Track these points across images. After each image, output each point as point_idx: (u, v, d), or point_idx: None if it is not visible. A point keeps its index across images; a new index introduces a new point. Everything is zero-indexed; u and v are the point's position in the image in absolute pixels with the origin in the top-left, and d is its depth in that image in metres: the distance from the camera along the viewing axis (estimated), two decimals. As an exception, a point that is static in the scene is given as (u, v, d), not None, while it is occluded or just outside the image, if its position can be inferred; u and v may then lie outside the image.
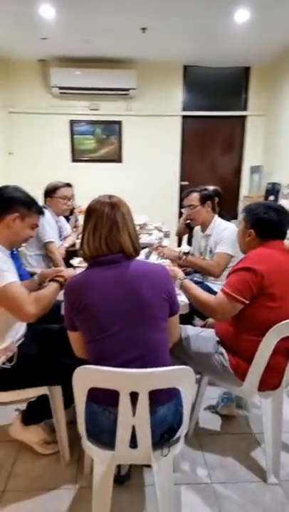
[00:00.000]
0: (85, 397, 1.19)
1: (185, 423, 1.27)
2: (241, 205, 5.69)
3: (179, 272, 1.77)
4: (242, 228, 1.70)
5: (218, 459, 1.76)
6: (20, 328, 1.63)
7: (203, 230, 2.57)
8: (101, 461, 1.25)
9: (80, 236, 1.38)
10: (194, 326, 2.12)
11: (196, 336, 1.77)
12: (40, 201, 2.16)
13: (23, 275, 2.07)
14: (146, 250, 2.46)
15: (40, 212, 1.70)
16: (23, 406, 1.79)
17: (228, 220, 2.60)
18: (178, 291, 1.61)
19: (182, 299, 1.73)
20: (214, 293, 1.69)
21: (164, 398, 1.22)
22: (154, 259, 2.40)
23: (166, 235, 3.49)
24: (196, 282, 2.13)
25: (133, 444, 1.20)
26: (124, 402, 1.14)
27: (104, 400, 1.19)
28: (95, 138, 5.62)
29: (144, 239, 3.15)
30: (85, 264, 1.40)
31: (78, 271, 1.56)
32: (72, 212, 3.64)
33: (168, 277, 1.34)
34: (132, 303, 1.23)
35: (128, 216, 1.34)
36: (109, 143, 5.64)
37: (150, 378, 1.13)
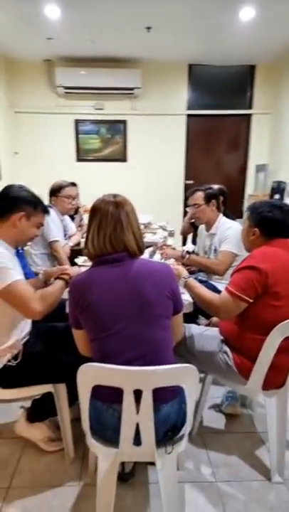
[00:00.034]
0: (89, 395, 1.20)
1: (189, 421, 1.28)
2: (246, 203, 5.67)
3: (183, 271, 1.77)
4: (246, 227, 1.70)
5: (223, 457, 1.76)
6: (25, 326, 1.65)
7: (208, 229, 2.57)
8: (105, 458, 1.26)
9: (85, 235, 1.39)
10: (199, 325, 2.12)
11: (200, 334, 1.78)
12: (46, 200, 2.17)
13: (28, 274, 2.08)
14: (150, 249, 2.46)
15: (45, 211, 1.71)
16: (28, 403, 1.80)
17: (233, 219, 2.59)
18: (182, 289, 1.62)
19: (186, 297, 1.73)
20: (219, 292, 1.68)
21: (167, 396, 1.22)
22: (158, 258, 2.41)
23: (171, 234, 3.49)
24: (201, 281, 2.13)
25: (137, 441, 1.21)
26: (128, 399, 1.14)
27: (108, 397, 1.20)
28: (100, 137, 5.63)
29: (148, 238, 3.16)
30: (89, 263, 1.40)
31: (83, 269, 1.57)
32: (77, 211, 3.66)
33: (172, 276, 1.35)
34: (135, 301, 1.24)
35: (132, 215, 1.34)
36: (114, 142, 5.65)
37: (153, 376, 1.13)
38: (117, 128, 5.61)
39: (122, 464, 1.59)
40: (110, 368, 1.13)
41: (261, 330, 1.49)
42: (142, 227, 1.66)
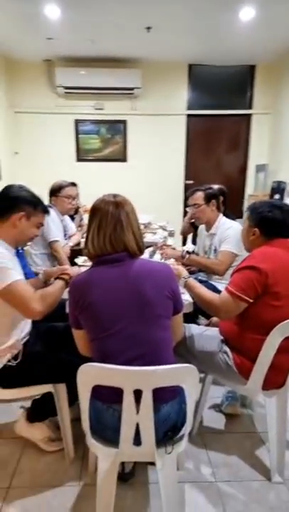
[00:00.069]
0: (89, 395, 1.20)
1: (189, 421, 1.28)
2: (246, 203, 5.67)
3: (183, 271, 1.77)
4: (246, 227, 1.70)
5: (223, 457, 1.76)
6: (25, 326, 1.65)
7: (208, 229, 2.57)
8: (105, 458, 1.26)
9: (85, 235, 1.39)
10: (199, 325, 2.12)
11: (200, 334, 1.78)
12: (46, 200, 2.17)
13: (28, 274, 2.08)
14: (150, 249, 2.46)
15: (45, 211, 1.71)
16: (28, 403, 1.80)
17: (233, 218, 2.59)
18: (182, 289, 1.62)
19: (186, 297, 1.73)
20: (219, 292, 1.68)
21: (167, 396, 1.22)
22: (158, 258, 2.41)
23: (171, 234, 3.49)
24: (201, 281, 2.13)
25: (137, 441, 1.21)
26: (128, 399, 1.14)
27: (108, 397, 1.20)
28: (100, 137, 5.63)
29: (148, 238, 3.16)
30: (89, 263, 1.41)
31: (83, 269, 1.57)
32: (77, 211, 3.66)
33: (172, 276, 1.35)
34: (135, 301, 1.24)
35: (132, 215, 1.34)
36: (114, 142, 5.65)
37: (153, 376, 1.13)
38: (117, 128, 5.61)
39: (122, 464, 1.59)
40: (110, 367, 1.13)
41: (261, 330, 1.49)
42: (142, 227, 1.66)
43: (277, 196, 4.81)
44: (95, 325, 1.26)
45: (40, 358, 1.60)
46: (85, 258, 2.26)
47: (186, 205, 2.83)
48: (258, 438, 1.89)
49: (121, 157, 5.69)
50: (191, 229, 3.38)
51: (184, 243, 3.62)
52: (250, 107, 5.65)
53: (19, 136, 5.46)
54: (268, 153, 5.64)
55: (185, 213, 3.90)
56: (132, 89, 5.21)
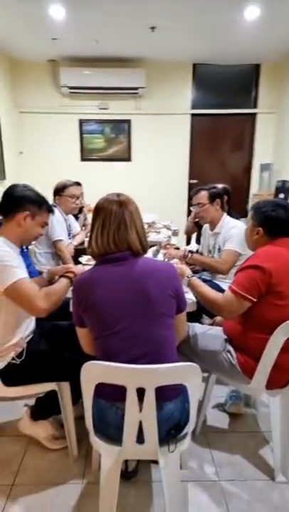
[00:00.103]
0: (92, 393, 1.20)
1: (192, 420, 1.28)
2: (251, 203, 5.65)
3: (187, 270, 1.77)
4: (250, 226, 1.70)
5: (226, 456, 1.76)
6: (29, 325, 1.66)
7: (212, 228, 2.57)
8: (108, 456, 1.26)
9: (89, 234, 1.39)
10: (202, 324, 2.12)
11: (203, 333, 1.78)
12: (50, 200, 2.18)
13: (33, 273, 2.09)
14: (154, 248, 2.46)
15: (50, 210, 1.72)
16: (32, 401, 1.82)
17: (237, 218, 2.59)
18: (185, 289, 1.62)
19: (190, 296, 1.73)
20: (223, 291, 1.68)
21: (170, 394, 1.22)
22: (162, 257, 2.41)
23: (175, 234, 3.49)
24: (205, 280, 2.13)
25: (140, 439, 1.21)
26: (131, 397, 1.15)
27: (111, 395, 1.21)
28: (104, 137, 5.64)
29: (152, 237, 3.16)
30: (93, 262, 1.41)
31: (87, 268, 1.58)
32: (81, 210, 3.67)
33: (175, 274, 1.35)
34: (138, 300, 1.24)
35: (136, 214, 1.34)
36: (118, 142, 5.66)
37: (156, 374, 1.14)
38: (121, 127, 5.61)
39: (126, 462, 1.60)
40: (113, 366, 1.14)
41: (265, 329, 1.49)
42: (146, 226, 1.66)
43: (281, 195, 4.79)
44: (99, 323, 1.26)
45: (44, 356, 1.60)
46: (89, 257, 2.27)
47: (190, 205, 2.83)
48: (262, 437, 1.89)
49: (125, 156, 5.69)
50: (195, 228, 3.38)
51: (188, 242, 3.62)
52: (254, 106, 5.62)
53: (24, 136, 5.48)
54: (273, 153, 5.62)
55: (189, 212, 3.90)
56: (136, 88, 5.21)
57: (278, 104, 5.43)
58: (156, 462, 1.28)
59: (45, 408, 1.77)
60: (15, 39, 4.48)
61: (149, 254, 2.21)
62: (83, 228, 3.51)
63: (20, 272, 1.45)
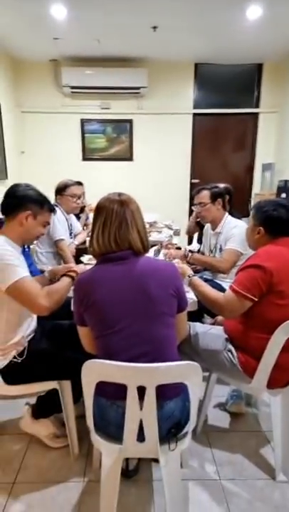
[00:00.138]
0: (93, 391, 1.21)
1: (192, 419, 1.28)
2: (253, 203, 5.64)
3: (188, 270, 1.77)
4: (251, 226, 1.70)
5: (227, 455, 1.76)
6: (31, 324, 1.67)
7: (214, 227, 2.57)
8: (109, 455, 1.27)
9: (90, 233, 1.40)
10: (203, 324, 2.12)
11: (204, 333, 1.78)
12: (52, 199, 2.19)
13: (34, 272, 2.10)
14: (155, 248, 2.46)
15: (51, 210, 1.72)
16: (34, 400, 1.82)
17: (239, 218, 2.59)
18: (186, 288, 1.62)
19: (190, 296, 1.73)
20: (224, 290, 1.68)
21: (171, 393, 1.23)
22: (163, 257, 2.41)
23: (176, 233, 3.50)
24: (206, 280, 2.13)
25: (141, 438, 1.21)
26: (132, 396, 1.15)
27: (112, 394, 1.21)
28: (106, 137, 5.64)
29: (154, 237, 3.17)
30: (94, 261, 1.42)
31: (89, 267, 1.58)
32: (82, 210, 3.68)
33: (176, 274, 1.35)
34: (139, 299, 1.24)
35: (137, 213, 1.35)
36: (120, 141, 5.66)
37: (157, 373, 1.14)
38: (123, 127, 5.61)
39: (127, 460, 1.60)
40: (114, 364, 1.14)
41: (266, 329, 1.49)
42: (147, 225, 1.67)
43: (283, 195, 4.78)
44: (100, 322, 1.26)
45: (45, 355, 1.61)
46: (90, 256, 2.27)
47: (191, 204, 2.83)
48: (263, 437, 1.89)
49: (127, 156, 5.69)
50: (196, 228, 3.38)
51: (190, 242, 3.62)
52: (257, 106, 5.62)
53: (25, 136, 5.49)
54: (275, 152, 5.61)
55: (191, 212, 3.90)
56: (138, 88, 5.20)
57: (280, 103, 5.41)
58: (157, 461, 1.28)
59: (46, 407, 1.77)
60: (17, 39, 4.49)
61: (151, 253, 2.21)
62: (85, 228, 3.51)
63: (22, 271, 1.46)
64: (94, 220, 1.36)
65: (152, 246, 2.36)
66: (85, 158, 5.67)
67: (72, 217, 3.20)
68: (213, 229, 2.57)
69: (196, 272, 2.17)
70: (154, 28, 4.12)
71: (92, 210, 3.52)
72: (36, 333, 1.69)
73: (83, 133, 5.59)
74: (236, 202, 2.92)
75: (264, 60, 5.36)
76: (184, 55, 5.11)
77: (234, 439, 1.87)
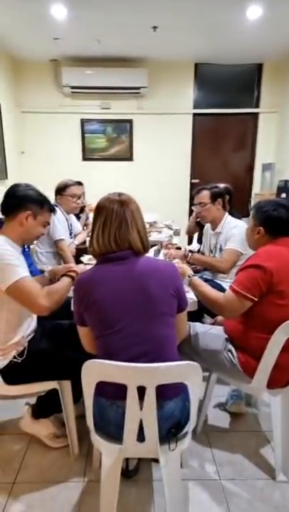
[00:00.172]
0: (93, 391, 1.21)
1: (192, 418, 1.28)
2: (253, 203, 5.64)
3: (188, 270, 1.77)
4: (251, 226, 1.70)
5: (227, 455, 1.76)
6: (31, 324, 1.67)
7: (214, 227, 2.57)
8: (109, 454, 1.27)
9: (90, 233, 1.40)
10: (204, 324, 2.12)
11: (204, 333, 1.78)
12: (52, 199, 2.19)
13: (34, 272, 2.10)
14: (155, 248, 2.46)
15: (51, 210, 1.72)
16: (34, 400, 1.82)
17: (239, 218, 2.59)
18: (186, 288, 1.62)
19: (190, 296, 1.74)
20: (224, 290, 1.68)
21: (171, 393, 1.23)
22: (162, 257, 2.41)
23: (176, 233, 3.50)
24: (206, 280, 2.13)
25: (141, 437, 1.21)
26: (132, 396, 1.15)
27: (112, 394, 1.21)
28: (106, 136, 5.64)
29: (153, 237, 3.17)
30: (94, 262, 1.42)
31: (89, 267, 1.58)
32: (82, 210, 3.68)
33: (176, 274, 1.35)
34: (139, 299, 1.24)
35: (137, 213, 1.35)
36: (120, 141, 5.66)
37: (157, 373, 1.14)
38: (123, 127, 5.61)
39: (127, 460, 1.60)
40: (114, 364, 1.14)
41: (266, 329, 1.49)
42: (147, 225, 1.67)
43: (283, 195, 4.78)
44: (100, 322, 1.26)
45: (45, 355, 1.61)
46: (90, 256, 2.27)
47: (191, 204, 2.83)
48: (263, 437, 1.89)
49: (127, 156, 5.70)
50: (196, 228, 3.38)
51: (190, 242, 3.62)
52: (257, 106, 5.61)
53: (25, 136, 5.49)
54: (275, 152, 5.61)
55: (191, 212, 3.90)
56: (138, 88, 5.20)
57: (281, 103, 5.41)
58: (157, 461, 1.28)
59: (46, 407, 1.77)
60: (17, 39, 4.49)
61: (151, 253, 2.21)
62: (85, 228, 3.51)
63: (22, 271, 1.46)
64: (94, 220, 1.36)
65: (152, 246, 2.36)
66: (85, 158, 5.68)
67: (72, 217, 3.20)
68: (213, 229, 2.57)
69: (196, 272, 2.16)
70: (154, 28, 4.12)
71: (92, 210, 3.53)
72: (36, 333, 1.69)
73: (83, 133, 5.59)
74: (236, 202, 2.92)
75: (264, 60, 5.36)
76: (184, 55, 5.11)
77: (234, 439, 1.87)
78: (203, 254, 2.71)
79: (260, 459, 1.75)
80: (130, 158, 5.70)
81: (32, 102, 5.39)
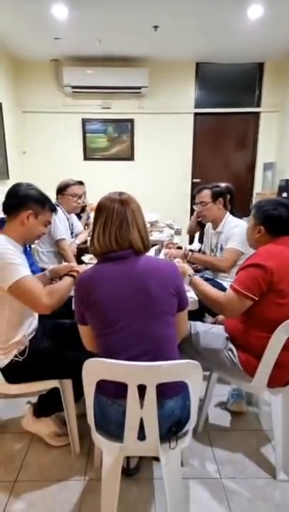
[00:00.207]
0: (93, 390, 1.21)
1: (193, 417, 1.29)
2: (254, 202, 5.63)
3: (188, 269, 1.78)
4: (252, 225, 1.70)
5: (228, 454, 1.76)
6: (32, 323, 1.67)
7: (215, 227, 2.57)
8: (110, 453, 1.27)
9: (91, 233, 1.40)
10: (204, 323, 2.12)
11: (205, 332, 1.78)
12: (53, 199, 2.19)
13: (36, 271, 2.10)
14: (156, 247, 2.47)
15: (53, 209, 1.73)
16: (35, 399, 1.83)
17: (240, 217, 2.59)
18: (187, 287, 1.62)
19: (191, 295, 1.74)
20: (225, 290, 1.68)
21: (171, 392, 1.23)
22: (163, 256, 2.41)
23: (178, 233, 3.50)
24: (207, 279, 2.14)
25: (141, 436, 1.22)
26: (132, 394, 1.15)
27: (113, 392, 1.22)
28: (107, 136, 5.65)
29: (155, 236, 3.17)
30: (95, 261, 1.42)
31: (90, 267, 1.59)
32: (83, 209, 3.68)
33: (176, 273, 1.35)
34: (139, 298, 1.25)
35: (138, 213, 1.35)
36: (121, 141, 5.67)
37: (157, 371, 1.14)
38: (124, 127, 5.62)
39: (128, 459, 1.61)
40: (114, 363, 1.14)
41: (266, 328, 1.49)
42: (148, 225, 1.67)
43: (284, 194, 4.77)
44: (100, 321, 1.27)
45: (46, 354, 1.61)
46: (92, 256, 2.28)
47: (193, 204, 2.83)
48: (264, 436, 1.89)
49: (128, 156, 5.70)
50: (197, 227, 3.38)
51: (191, 242, 3.62)
52: (258, 105, 5.61)
53: (27, 136, 5.50)
54: (276, 152, 5.60)
55: (192, 211, 3.90)
56: (139, 88, 5.21)
57: (282, 102, 5.41)
58: (157, 459, 1.28)
59: (47, 405, 1.78)
60: (18, 39, 4.50)
61: (151, 253, 2.21)
62: (86, 227, 3.52)
63: (24, 270, 1.47)
64: (95, 220, 1.37)
65: (153, 245, 2.37)
66: (86, 158, 5.68)
67: (74, 216, 3.20)
68: (214, 228, 2.58)
69: (196, 271, 2.17)
70: (155, 27, 4.13)
71: (93, 210, 3.54)
72: (37, 332, 1.70)
73: (84, 132, 5.60)
74: (237, 201, 2.92)
75: (265, 59, 5.35)
76: (185, 55, 5.11)
77: (235, 437, 1.87)
78: (204, 253, 2.71)
79: (260, 457, 1.75)
80: (131, 158, 5.71)
81: (33, 102, 5.40)
